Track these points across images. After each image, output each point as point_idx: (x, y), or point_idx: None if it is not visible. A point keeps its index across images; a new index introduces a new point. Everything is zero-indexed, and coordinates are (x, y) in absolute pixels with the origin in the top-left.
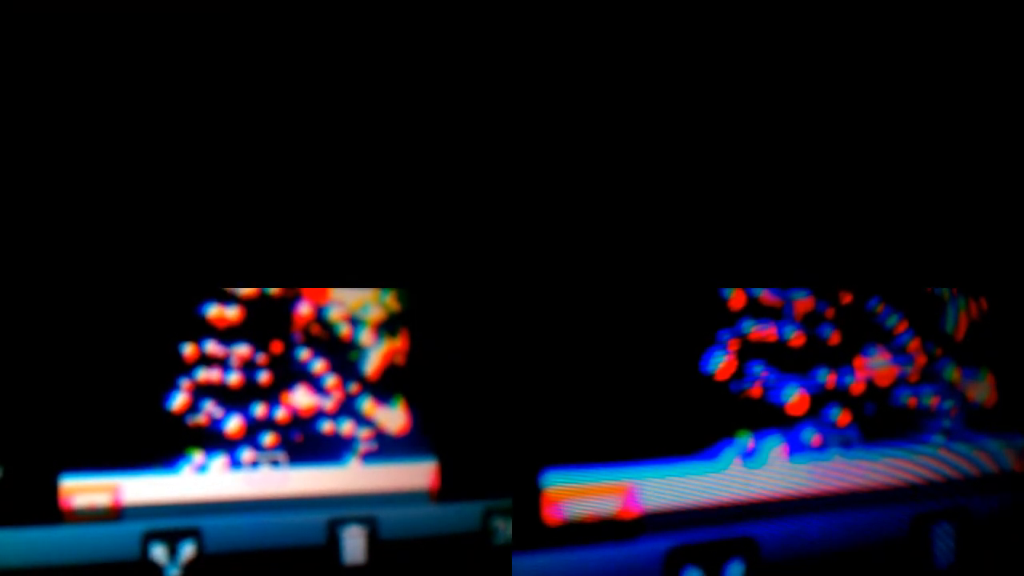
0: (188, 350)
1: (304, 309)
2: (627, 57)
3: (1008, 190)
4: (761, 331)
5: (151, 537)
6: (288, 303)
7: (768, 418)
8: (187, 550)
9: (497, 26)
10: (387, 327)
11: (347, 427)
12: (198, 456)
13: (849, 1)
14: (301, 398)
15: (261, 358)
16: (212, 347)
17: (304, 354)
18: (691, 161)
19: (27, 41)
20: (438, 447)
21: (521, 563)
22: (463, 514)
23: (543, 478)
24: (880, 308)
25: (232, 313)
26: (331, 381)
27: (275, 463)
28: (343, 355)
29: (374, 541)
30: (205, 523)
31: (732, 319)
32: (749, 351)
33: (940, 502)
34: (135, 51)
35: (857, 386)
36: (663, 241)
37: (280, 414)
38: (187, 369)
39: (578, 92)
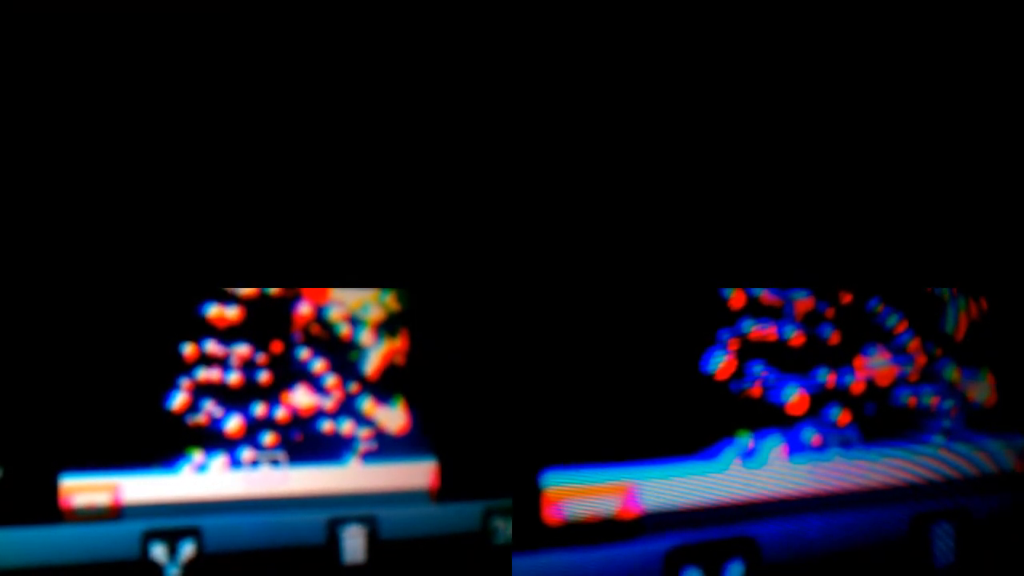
0: (188, 350)
1: (304, 309)
2: (626, 58)
3: (1008, 190)
4: (761, 331)
5: (151, 536)
6: (288, 303)
7: (768, 418)
8: (187, 549)
9: (496, 27)
10: (387, 327)
11: (347, 427)
12: (198, 456)
13: (849, 1)
14: (301, 398)
15: (261, 358)
16: (212, 347)
17: (304, 354)
18: (691, 161)
19: (27, 41)
20: (438, 447)
21: (521, 563)
22: (463, 514)
23: (543, 478)
24: (880, 308)
25: (232, 313)
26: (331, 381)
27: (275, 463)
28: (343, 355)
29: (374, 541)
30: (205, 523)
31: (732, 319)
32: (749, 351)
33: (940, 502)
34: (135, 51)
35: (857, 386)
36: (663, 241)
37: (280, 414)
38: (187, 369)
39: (577, 93)
